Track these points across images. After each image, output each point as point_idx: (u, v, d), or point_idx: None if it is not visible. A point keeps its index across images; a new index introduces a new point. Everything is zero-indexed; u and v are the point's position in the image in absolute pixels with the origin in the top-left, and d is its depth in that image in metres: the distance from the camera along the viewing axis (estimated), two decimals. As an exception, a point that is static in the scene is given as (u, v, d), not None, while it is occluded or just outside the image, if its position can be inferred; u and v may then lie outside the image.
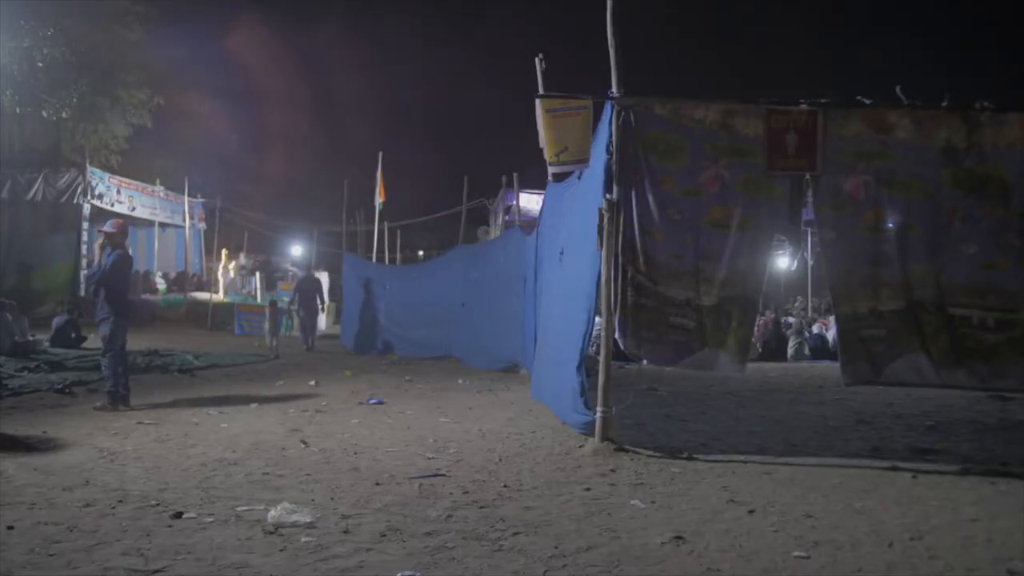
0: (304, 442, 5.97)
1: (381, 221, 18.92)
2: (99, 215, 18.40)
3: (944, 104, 5.84)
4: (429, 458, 5.52)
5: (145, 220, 22.31)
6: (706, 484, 4.88)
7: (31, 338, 11.41)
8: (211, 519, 3.95)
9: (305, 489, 4.60)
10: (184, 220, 22.89)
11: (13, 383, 8.56)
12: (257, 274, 25.21)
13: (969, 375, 5.74)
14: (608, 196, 5.89)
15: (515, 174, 13.03)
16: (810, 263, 16.58)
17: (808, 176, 5.94)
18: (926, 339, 5.76)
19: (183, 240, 23.50)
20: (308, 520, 3.89)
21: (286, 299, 19.30)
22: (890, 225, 5.91)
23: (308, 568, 3.30)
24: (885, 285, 5.85)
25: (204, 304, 20.77)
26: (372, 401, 8.26)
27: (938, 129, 5.80)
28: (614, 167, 5.92)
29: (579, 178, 6.69)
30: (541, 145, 6.00)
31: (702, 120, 5.93)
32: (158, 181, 22.36)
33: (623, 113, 5.93)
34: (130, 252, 8.12)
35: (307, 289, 16.50)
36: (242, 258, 27.72)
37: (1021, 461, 5.49)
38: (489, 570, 3.33)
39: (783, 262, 16.40)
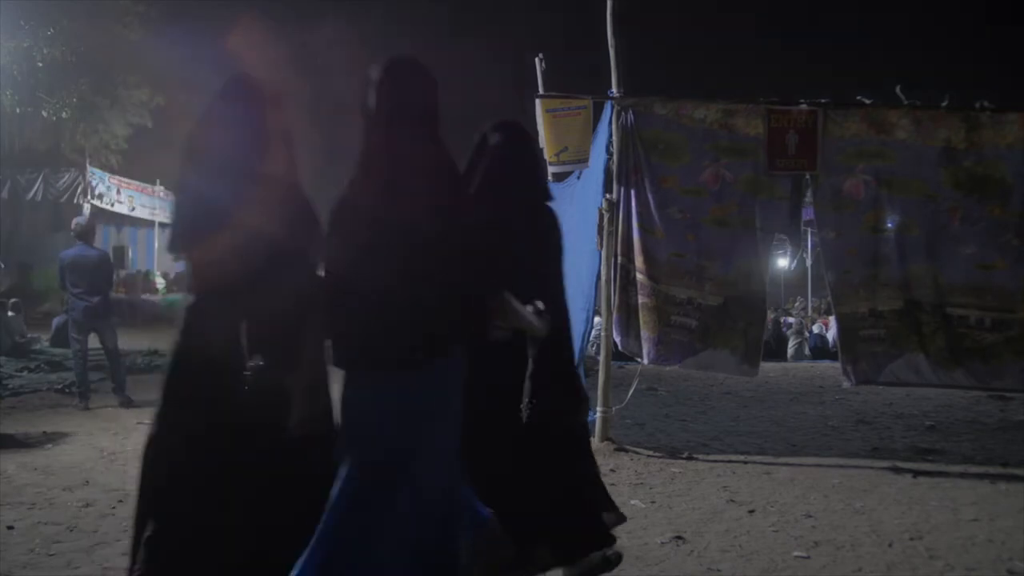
0: (304, 442, 5.96)
1: (381, 221, 18.92)
2: (99, 215, 18.39)
3: (944, 104, 5.84)
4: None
5: (145, 220, 22.29)
6: (706, 484, 4.88)
7: (29, 336, 11.42)
8: (211, 519, 3.94)
9: (305, 489, 4.60)
10: (184, 220, 22.86)
11: (13, 383, 8.55)
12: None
13: (967, 374, 5.75)
14: (608, 196, 5.89)
15: (515, 174, 13.00)
16: (809, 263, 16.58)
17: (808, 176, 5.95)
18: (924, 339, 5.77)
19: (183, 240, 23.45)
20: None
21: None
22: (889, 225, 5.92)
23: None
24: (884, 285, 5.85)
25: (204, 304, 20.76)
26: (372, 401, 8.24)
27: (938, 129, 5.80)
28: (614, 167, 5.92)
29: (579, 178, 6.69)
30: (541, 145, 6.00)
31: (702, 120, 5.93)
32: (158, 181, 22.34)
33: (623, 113, 5.93)
34: (87, 251, 7.68)
35: None
36: (242, 258, 27.68)
37: (1021, 461, 5.49)
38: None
39: (783, 262, 16.39)
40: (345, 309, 2.22)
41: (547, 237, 2.88)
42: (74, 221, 7.94)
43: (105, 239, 20.78)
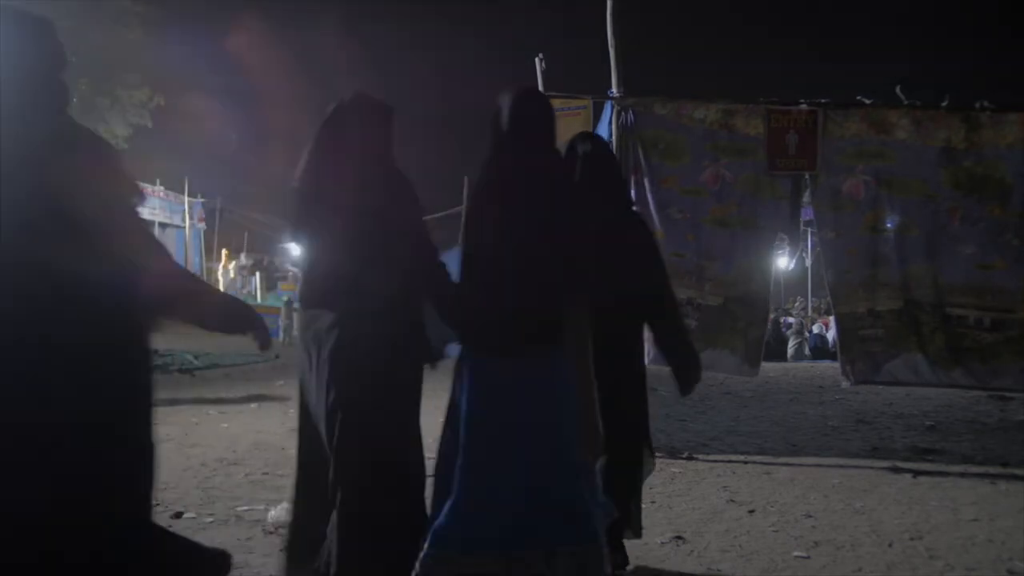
0: (304, 442, 5.97)
1: (381, 221, 18.91)
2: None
3: (944, 104, 5.85)
4: (429, 458, 5.51)
5: (145, 220, 22.25)
6: (706, 484, 4.88)
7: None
8: (211, 519, 3.95)
9: (305, 489, 4.60)
10: (184, 220, 22.86)
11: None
12: (257, 274, 25.19)
13: (966, 374, 5.75)
14: (608, 196, 5.89)
15: (515, 174, 13.00)
16: (809, 263, 16.58)
17: (808, 176, 5.95)
18: (923, 339, 5.77)
19: (183, 240, 23.46)
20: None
21: (283, 298, 19.52)
22: (889, 225, 5.92)
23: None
24: (883, 285, 5.86)
25: (204, 304, 20.76)
26: (372, 401, 8.24)
27: (937, 129, 5.81)
28: (614, 167, 5.92)
29: (579, 178, 6.69)
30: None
31: (703, 120, 5.94)
32: (158, 181, 22.33)
33: (623, 113, 5.93)
34: None
35: None
36: (242, 258, 27.68)
37: (1021, 461, 5.49)
38: (489, 570, 3.32)
39: (783, 262, 16.40)
40: (474, 300, 2.60)
41: (648, 235, 3.39)
42: None
43: (105, 239, 20.74)
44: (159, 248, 2.21)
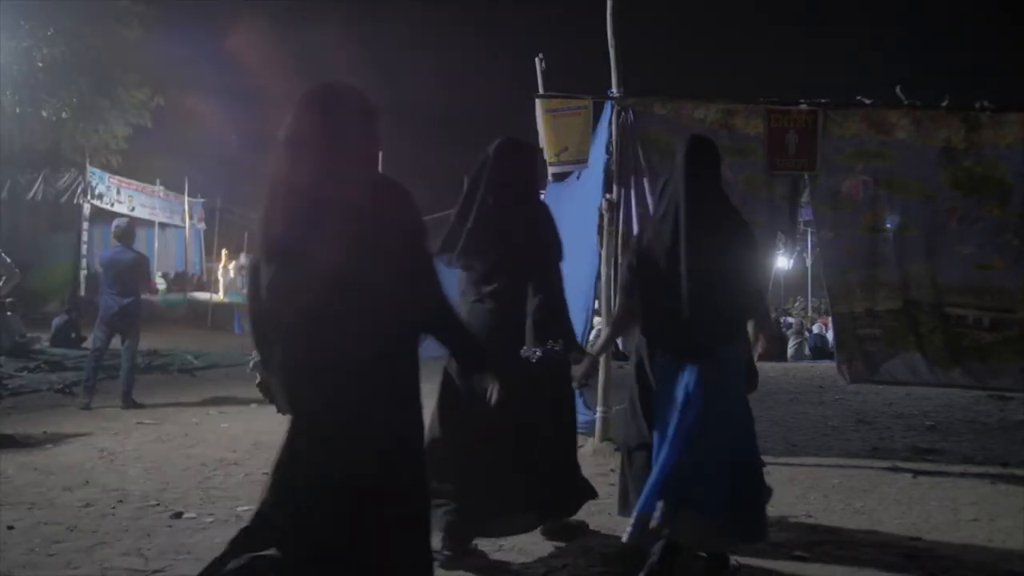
0: (304, 442, 5.97)
1: (381, 221, 18.88)
2: (99, 215, 18.38)
3: (944, 104, 5.84)
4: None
5: (145, 220, 22.26)
6: (706, 484, 4.87)
7: (29, 336, 11.43)
8: (211, 519, 3.95)
9: (305, 489, 4.60)
10: (184, 220, 22.86)
11: (13, 383, 8.56)
12: (257, 274, 25.13)
13: (965, 374, 5.75)
14: (608, 196, 5.89)
15: (515, 174, 13.00)
16: (809, 263, 16.59)
17: (807, 176, 5.95)
18: (921, 338, 5.77)
19: (183, 240, 23.47)
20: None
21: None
22: (888, 225, 5.92)
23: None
24: (882, 285, 5.86)
25: (204, 304, 20.76)
26: (372, 401, 8.24)
27: (938, 129, 5.80)
28: (614, 167, 5.92)
29: (578, 178, 6.69)
30: (541, 145, 5.99)
31: (703, 120, 5.94)
32: (158, 181, 22.31)
33: (623, 113, 5.93)
34: (123, 252, 7.83)
35: None
36: (242, 258, 27.65)
37: (1021, 461, 5.49)
38: (489, 571, 3.33)
39: (782, 262, 16.42)
40: (659, 314, 3.24)
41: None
42: (114, 223, 8.23)
43: (105, 238, 20.77)
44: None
